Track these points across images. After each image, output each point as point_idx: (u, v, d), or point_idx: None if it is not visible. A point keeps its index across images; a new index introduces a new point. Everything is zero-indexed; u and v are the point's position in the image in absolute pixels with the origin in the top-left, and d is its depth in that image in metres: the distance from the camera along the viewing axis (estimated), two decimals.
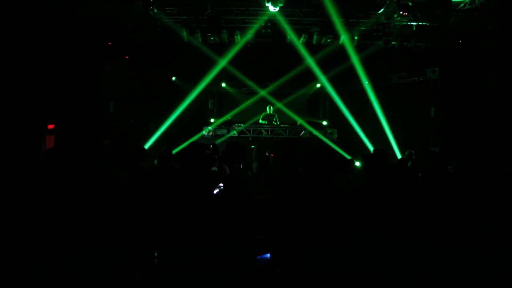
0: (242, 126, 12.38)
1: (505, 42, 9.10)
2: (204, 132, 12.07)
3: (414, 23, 9.36)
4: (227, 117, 13.28)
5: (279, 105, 13.25)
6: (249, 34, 9.69)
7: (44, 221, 2.85)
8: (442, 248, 3.48)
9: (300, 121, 12.82)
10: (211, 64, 11.44)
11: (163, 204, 3.74)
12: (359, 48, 10.20)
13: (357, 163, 7.69)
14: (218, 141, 11.15)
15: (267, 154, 9.71)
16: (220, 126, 12.53)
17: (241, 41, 9.94)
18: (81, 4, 8.32)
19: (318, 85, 13.80)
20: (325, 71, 11.60)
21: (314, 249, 3.35)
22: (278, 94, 13.52)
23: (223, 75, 12.48)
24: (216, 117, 13.64)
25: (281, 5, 8.17)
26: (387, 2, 8.54)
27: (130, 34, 9.57)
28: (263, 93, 13.28)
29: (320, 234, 3.42)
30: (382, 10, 8.77)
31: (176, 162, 5.69)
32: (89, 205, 2.87)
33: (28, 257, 2.72)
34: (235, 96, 14.14)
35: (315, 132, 12.23)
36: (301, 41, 10.00)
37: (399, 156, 10.68)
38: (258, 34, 9.76)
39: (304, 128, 12.41)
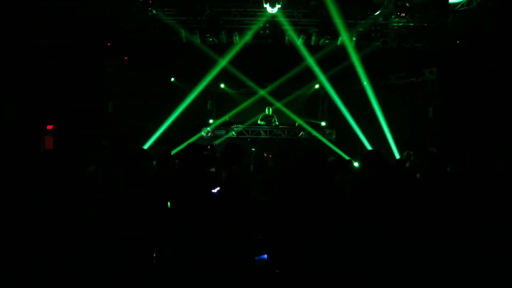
0: (240, 127, 12.39)
1: (502, 42, 9.14)
2: (203, 133, 12.07)
3: (411, 24, 9.40)
4: (226, 118, 13.28)
5: (278, 104, 13.27)
6: (248, 35, 9.72)
7: (44, 221, 2.85)
8: (441, 247, 3.49)
9: (299, 121, 12.83)
10: (210, 65, 11.45)
11: (163, 204, 3.75)
12: (357, 49, 10.23)
13: (356, 164, 7.71)
14: (217, 142, 11.16)
15: (265, 155, 9.72)
16: (219, 127, 12.53)
17: (239, 42, 9.96)
18: (80, 4, 8.33)
19: (317, 86, 13.83)
20: (323, 71, 11.62)
21: (314, 249, 3.36)
22: (277, 95, 13.53)
23: (222, 75, 12.49)
24: (215, 118, 13.64)
25: (279, 6, 8.18)
26: (385, 3, 8.57)
27: (129, 34, 9.59)
28: (262, 92, 13.30)
29: (320, 234, 3.44)
30: (379, 12, 8.82)
31: (175, 163, 5.71)
32: (89, 205, 2.88)
33: (28, 257, 2.73)
34: (234, 97, 14.16)
35: (314, 133, 12.25)
36: (299, 42, 10.03)
37: (397, 156, 10.70)
38: (256, 35, 9.79)
39: (303, 129, 12.42)
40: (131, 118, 11.39)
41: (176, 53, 11.14)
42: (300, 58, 11.25)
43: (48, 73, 8.44)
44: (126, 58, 10.79)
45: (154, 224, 3.62)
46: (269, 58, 11.70)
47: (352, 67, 10.94)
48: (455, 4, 8.78)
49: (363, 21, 9.35)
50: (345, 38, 9.77)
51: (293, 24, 9.45)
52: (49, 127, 9.12)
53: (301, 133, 12.34)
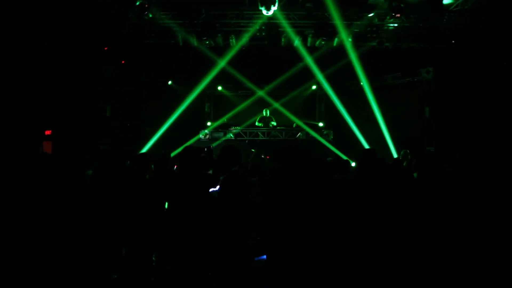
0: (238, 129, 12.42)
1: (497, 41, 9.21)
2: (201, 135, 12.09)
3: (407, 24, 9.46)
4: (224, 119, 13.31)
5: (276, 105, 13.32)
6: (244, 38, 9.77)
7: (43, 221, 2.86)
8: (440, 247, 3.51)
9: (297, 122, 12.87)
10: (207, 67, 11.50)
11: (162, 205, 3.77)
12: (353, 49, 10.29)
13: (353, 164, 7.75)
14: (214, 144, 11.17)
15: (262, 156, 9.74)
16: (217, 129, 12.55)
17: (236, 44, 10.01)
18: (77, 8, 8.36)
19: (314, 87, 13.89)
20: (320, 72, 11.67)
21: (314, 249, 3.37)
22: (274, 96, 13.58)
23: (220, 78, 12.53)
24: (212, 120, 13.66)
25: (275, 8, 8.23)
26: (379, 4, 8.63)
27: (126, 38, 9.62)
28: (261, 93, 13.34)
29: (319, 234, 3.45)
30: (372, 13, 8.90)
31: (173, 165, 5.73)
32: (89, 205, 2.90)
33: (28, 257, 2.74)
34: (231, 99, 14.20)
35: (312, 133, 12.28)
36: (295, 43, 10.09)
37: (395, 155, 10.75)
38: (253, 37, 9.84)
39: (301, 130, 12.46)
40: (129, 121, 11.42)
41: (173, 56, 11.18)
42: (296, 59, 11.31)
43: (47, 76, 8.46)
44: (123, 61, 10.82)
45: (154, 225, 3.64)
46: (266, 59, 11.75)
47: (348, 68, 11.00)
48: (450, 4, 8.86)
49: (358, 22, 9.41)
50: (341, 39, 9.85)
51: (289, 26, 9.51)
52: (47, 132, 9.13)
53: (298, 134, 12.37)
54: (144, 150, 10.66)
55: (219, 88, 14.00)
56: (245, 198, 3.82)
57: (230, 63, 11.23)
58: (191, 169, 3.76)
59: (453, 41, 9.87)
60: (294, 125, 12.95)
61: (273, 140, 12.12)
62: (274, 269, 3.62)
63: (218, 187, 4.24)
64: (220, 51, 10.70)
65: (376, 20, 9.34)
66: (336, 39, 9.88)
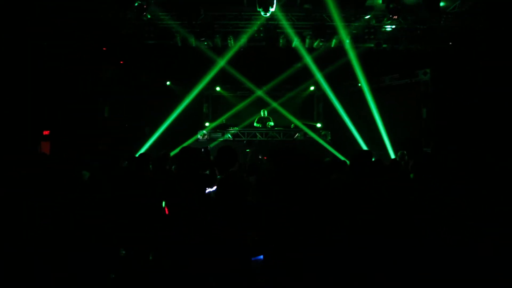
0: (235, 129, 12.45)
1: (494, 43, 9.27)
2: (199, 136, 12.12)
3: (404, 26, 9.51)
4: (221, 120, 13.34)
5: (275, 104, 13.36)
6: (243, 39, 9.81)
7: (42, 221, 2.87)
8: (438, 247, 3.53)
9: (296, 122, 12.90)
10: (205, 68, 11.53)
11: (160, 205, 3.79)
12: (351, 51, 10.34)
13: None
14: (212, 145, 11.20)
15: (260, 157, 9.77)
16: (215, 130, 12.58)
17: (234, 45, 10.05)
18: (76, 9, 8.37)
19: (312, 88, 13.94)
20: (318, 72, 11.72)
21: (312, 249, 3.40)
22: (272, 97, 13.63)
23: (218, 79, 12.57)
24: (211, 121, 13.69)
25: (273, 10, 8.27)
26: (377, 6, 8.68)
27: (125, 39, 9.64)
28: (259, 92, 13.37)
29: (317, 234, 3.48)
30: (370, 15, 8.95)
31: (171, 165, 5.75)
32: (88, 205, 2.92)
33: (27, 257, 2.75)
34: (230, 100, 14.23)
35: (311, 134, 12.32)
36: (293, 44, 10.14)
37: (393, 156, 10.79)
38: (251, 38, 9.88)
39: (299, 131, 12.50)
40: (127, 121, 11.44)
41: (171, 57, 11.21)
42: (294, 60, 11.36)
43: (45, 76, 8.48)
44: (122, 62, 10.84)
45: (152, 225, 3.67)
46: (264, 60, 11.79)
47: (346, 69, 11.05)
48: (447, 6, 8.92)
49: (356, 24, 9.47)
50: (339, 40, 9.90)
51: (288, 27, 9.56)
52: (45, 132, 9.14)
53: (296, 135, 12.41)
54: (142, 150, 10.68)
55: (218, 88, 14.04)
56: (243, 198, 3.84)
57: (229, 64, 11.26)
58: (188, 170, 3.78)
59: (450, 43, 9.92)
60: (292, 125, 12.99)
61: (271, 141, 12.16)
62: (272, 269, 3.65)
63: (215, 187, 4.27)
64: (219, 52, 10.73)
65: (374, 21, 9.40)
66: (334, 40, 9.93)
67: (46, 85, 8.50)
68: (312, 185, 3.70)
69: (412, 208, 3.88)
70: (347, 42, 9.98)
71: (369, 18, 9.24)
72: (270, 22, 9.34)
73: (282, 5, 8.76)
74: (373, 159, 4.56)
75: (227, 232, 3.58)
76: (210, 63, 11.29)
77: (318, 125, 13.44)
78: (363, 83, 11.60)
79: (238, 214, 3.68)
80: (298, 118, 13.14)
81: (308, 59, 11.02)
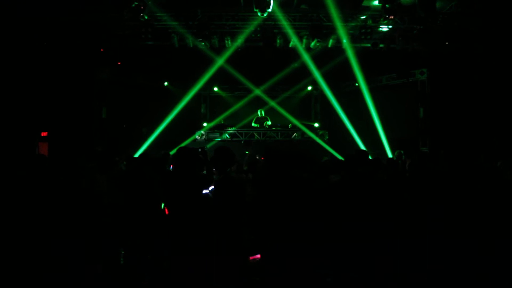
0: (233, 129, 12.47)
1: (490, 43, 9.31)
2: (197, 136, 12.13)
3: (401, 26, 9.54)
4: (219, 119, 13.36)
5: (273, 103, 13.38)
6: (240, 39, 9.83)
7: (42, 221, 2.89)
8: (436, 247, 3.57)
9: (294, 121, 12.93)
10: (202, 68, 11.55)
11: (159, 204, 3.81)
12: (348, 50, 10.37)
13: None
14: (209, 145, 11.21)
15: (257, 157, 9.78)
16: (212, 130, 12.60)
17: (231, 45, 10.07)
18: (73, 10, 8.38)
19: (309, 88, 13.96)
20: (315, 72, 11.74)
21: (309, 247, 3.42)
22: (270, 97, 13.65)
23: (216, 79, 12.57)
24: (208, 121, 13.71)
25: (270, 10, 8.29)
26: (373, 6, 8.72)
27: (122, 40, 9.64)
28: (257, 92, 13.39)
29: (312, 232, 3.50)
30: (365, 16, 8.99)
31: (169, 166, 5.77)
32: (87, 204, 2.93)
33: (26, 257, 2.76)
34: (227, 100, 14.25)
35: (309, 133, 12.36)
36: (290, 44, 10.16)
37: (390, 156, 10.82)
38: (248, 38, 9.90)
39: (296, 130, 12.53)
40: (125, 122, 11.45)
41: (169, 57, 11.22)
42: (291, 60, 11.39)
43: (43, 77, 8.48)
44: (119, 63, 10.85)
45: (151, 224, 3.69)
46: (261, 60, 11.80)
47: (344, 69, 11.08)
48: (443, 7, 8.95)
49: (352, 24, 9.49)
50: (336, 40, 9.93)
51: (284, 27, 9.58)
52: (43, 134, 9.14)
53: (294, 134, 12.44)
54: (140, 151, 10.68)
55: (215, 89, 14.06)
56: (241, 198, 3.86)
57: (226, 64, 11.28)
58: (185, 170, 3.80)
59: (446, 43, 9.96)
60: (289, 125, 13.02)
61: (269, 141, 12.19)
62: (269, 267, 3.66)
63: (211, 187, 4.28)
64: (216, 53, 10.75)
65: (370, 21, 9.42)
66: (331, 40, 9.95)
67: (44, 87, 8.51)
68: (305, 184, 3.72)
69: (407, 206, 3.92)
70: (344, 42, 10.02)
71: (365, 18, 9.27)
72: (267, 22, 9.35)
73: (279, 6, 8.79)
74: (370, 158, 4.60)
75: (223, 231, 3.60)
76: (208, 64, 11.30)
77: (316, 124, 13.48)
78: (360, 83, 11.63)
79: (236, 214, 3.70)
80: (296, 118, 13.17)
81: (305, 59, 11.04)
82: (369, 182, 3.80)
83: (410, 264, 3.54)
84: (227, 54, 10.60)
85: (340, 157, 10.43)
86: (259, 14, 8.33)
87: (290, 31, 9.72)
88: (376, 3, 8.88)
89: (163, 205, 3.94)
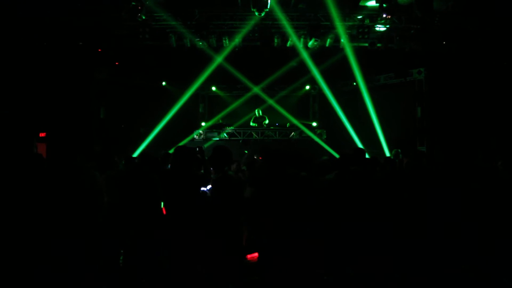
0: (231, 128, 12.48)
1: (487, 42, 9.34)
2: (195, 135, 12.14)
3: (398, 26, 9.57)
4: (217, 118, 13.37)
5: (271, 101, 13.39)
6: (237, 39, 9.85)
7: (41, 221, 2.89)
8: (433, 246, 3.59)
9: (292, 120, 12.94)
10: (200, 68, 11.56)
11: (158, 204, 3.83)
12: (346, 50, 10.40)
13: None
14: (206, 145, 11.23)
15: (255, 157, 9.80)
16: (211, 129, 12.61)
17: (229, 45, 10.09)
18: (71, 10, 8.38)
19: (307, 87, 13.99)
20: (313, 71, 11.76)
21: (307, 246, 3.44)
22: (268, 95, 13.65)
23: (214, 78, 12.58)
24: (207, 121, 13.72)
25: (267, 10, 8.31)
26: (370, 6, 8.74)
27: (120, 40, 9.65)
28: (256, 90, 13.40)
29: (310, 230, 3.53)
30: (362, 16, 9.02)
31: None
32: (86, 204, 2.93)
33: (25, 257, 2.77)
34: (225, 99, 14.25)
35: (307, 132, 12.37)
36: (288, 44, 10.18)
37: (388, 155, 10.85)
38: (246, 38, 9.92)
39: (294, 129, 12.56)
40: (123, 122, 11.45)
41: (167, 57, 11.22)
42: (289, 60, 11.41)
43: (41, 78, 8.48)
44: (117, 63, 10.85)
45: (150, 223, 3.70)
46: (259, 60, 11.82)
47: (342, 68, 11.11)
48: (441, 7, 8.98)
49: (350, 23, 9.52)
50: (333, 40, 9.96)
51: (282, 27, 9.60)
52: (42, 134, 9.14)
53: (292, 133, 12.47)
54: (138, 150, 10.70)
55: (213, 88, 14.06)
56: (239, 197, 3.89)
57: (224, 63, 11.29)
58: (183, 169, 3.82)
59: (444, 42, 9.99)
60: (288, 124, 13.04)
61: (267, 140, 12.21)
62: (266, 264, 3.68)
63: (209, 186, 4.30)
64: (214, 52, 10.76)
65: (368, 21, 9.45)
66: (328, 40, 9.98)
67: (42, 87, 8.51)
68: (302, 183, 3.75)
69: (403, 205, 3.94)
70: (341, 41, 10.04)
71: (363, 17, 9.30)
72: (264, 22, 9.37)
73: (276, 5, 8.81)
74: (367, 156, 4.63)
75: (222, 230, 3.62)
76: (206, 63, 11.31)
77: (314, 123, 13.49)
78: (358, 82, 11.66)
79: (234, 213, 3.73)
80: (294, 117, 13.19)
81: (303, 58, 11.06)
82: (363, 180, 3.82)
83: (408, 263, 3.56)
84: (224, 53, 10.61)
85: (338, 156, 10.44)
86: (256, 14, 8.35)
87: (287, 31, 9.75)
88: (373, 3, 8.91)
89: (162, 204, 3.97)
